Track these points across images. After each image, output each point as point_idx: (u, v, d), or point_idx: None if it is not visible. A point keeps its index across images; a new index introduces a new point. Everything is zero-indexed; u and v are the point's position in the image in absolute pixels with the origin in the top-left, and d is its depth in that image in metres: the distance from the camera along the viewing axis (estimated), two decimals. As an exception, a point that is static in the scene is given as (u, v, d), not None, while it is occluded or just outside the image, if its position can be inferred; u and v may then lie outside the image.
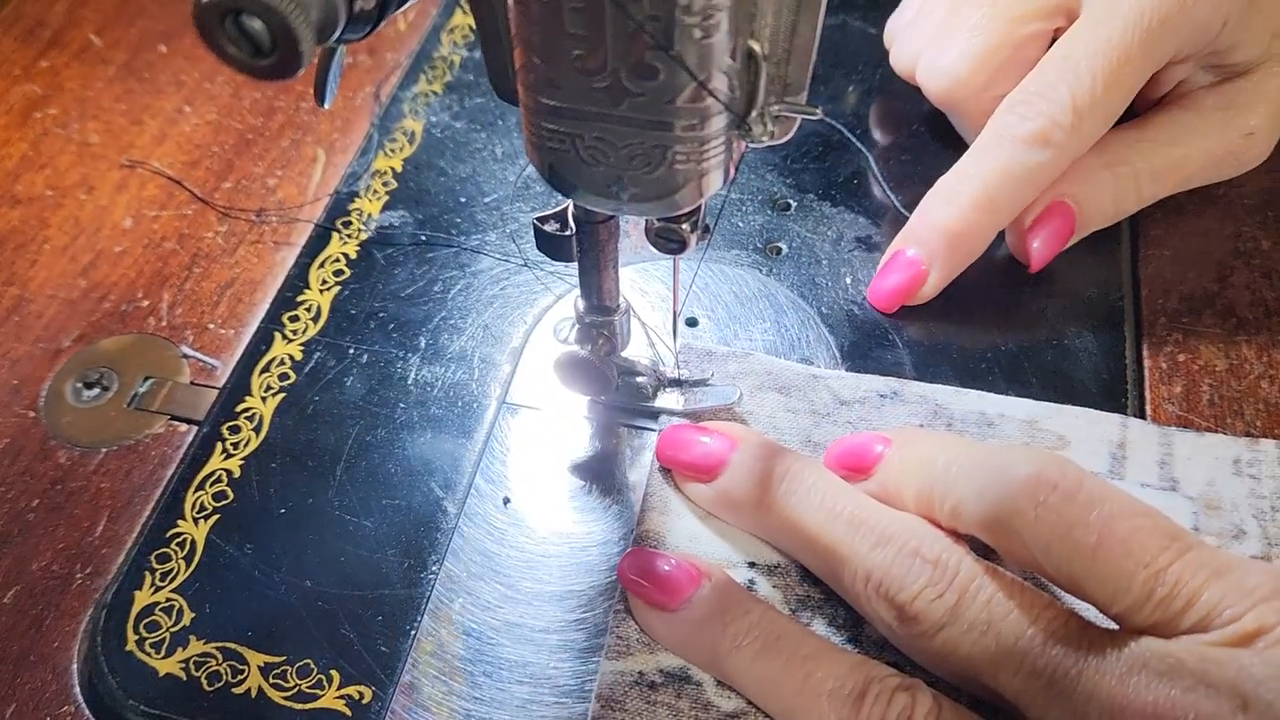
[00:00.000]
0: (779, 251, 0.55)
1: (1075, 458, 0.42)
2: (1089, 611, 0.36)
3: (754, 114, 0.34)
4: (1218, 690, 0.31)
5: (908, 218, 0.53)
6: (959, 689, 0.38)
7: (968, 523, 0.38)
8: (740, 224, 0.57)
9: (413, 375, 0.51)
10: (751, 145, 0.35)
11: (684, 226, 0.39)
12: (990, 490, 0.37)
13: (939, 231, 0.50)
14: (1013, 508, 0.36)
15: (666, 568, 0.41)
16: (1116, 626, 0.35)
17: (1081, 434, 0.47)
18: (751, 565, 0.43)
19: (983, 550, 0.39)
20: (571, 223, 0.41)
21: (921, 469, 0.40)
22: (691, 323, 0.52)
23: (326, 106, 0.38)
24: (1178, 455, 0.46)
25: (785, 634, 0.39)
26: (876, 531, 0.39)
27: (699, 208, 0.40)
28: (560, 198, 0.38)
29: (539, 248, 0.42)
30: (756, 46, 0.31)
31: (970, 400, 0.48)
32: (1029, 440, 0.46)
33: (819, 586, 0.42)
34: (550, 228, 0.41)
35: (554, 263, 0.53)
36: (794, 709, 0.38)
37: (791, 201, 0.58)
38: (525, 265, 0.55)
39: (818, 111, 0.34)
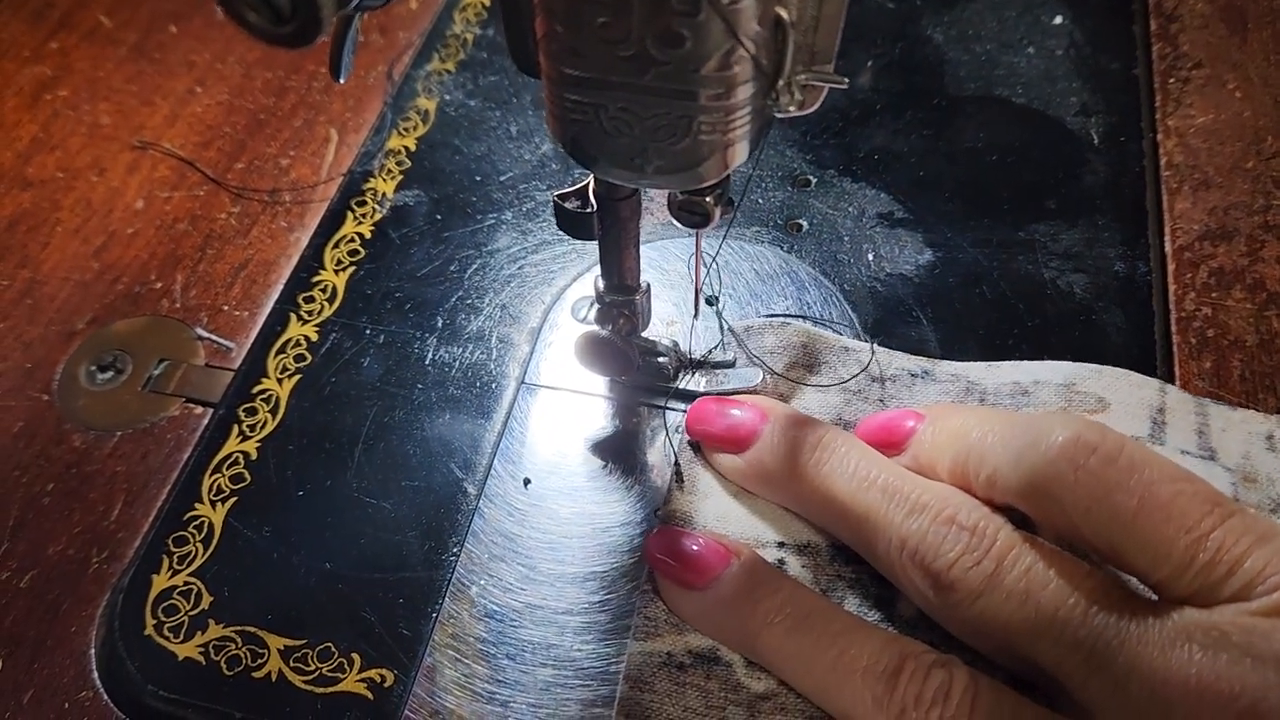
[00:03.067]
0: (800, 228, 0.54)
1: (1116, 421, 0.41)
2: (1129, 584, 0.36)
3: (781, 83, 0.33)
4: (1263, 662, 0.31)
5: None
6: (994, 664, 0.38)
7: (1005, 490, 0.37)
8: (760, 200, 0.56)
9: (430, 356, 0.50)
10: (778, 115, 0.34)
11: (708, 200, 0.39)
12: (1028, 455, 0.36)
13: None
14: (1052, 472, 0.35)
15: (694, 547, 0.41)
16: (1156, 597, 0.35)
17: (1122, 396, 0.45)
18: (781, 545, 0.43)
19: (1018, 524, 0.38)
20: (593, 200, 0.40)
21: (955, 441, 0.39)
22: (711, 301, 0.51)
23: (342, 80, 0.37)
24: (1213, 426, 0.45)
25: (817, 611, 0.38)
26: (911, 500, 0.38)
27: (724, 180, 0.39)
28: (581, 173, 0.37)
29: (559, 225, 0.42)
30: (785, 14, 0.31)
31: (1003, 372, 0.47)
32: (1067, 404, 0.45)
33: (850, 566, 0.42)
34: (571, 205, 0.41)
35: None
36: (827, 686, 0.37)
37: (812, 178, 0.57)
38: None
39: (845, 81, 0.34)
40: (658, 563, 0.41)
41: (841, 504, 0.39)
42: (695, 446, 0.46)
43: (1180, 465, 0.35)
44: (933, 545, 0.36)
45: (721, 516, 0.43)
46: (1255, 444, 0.44)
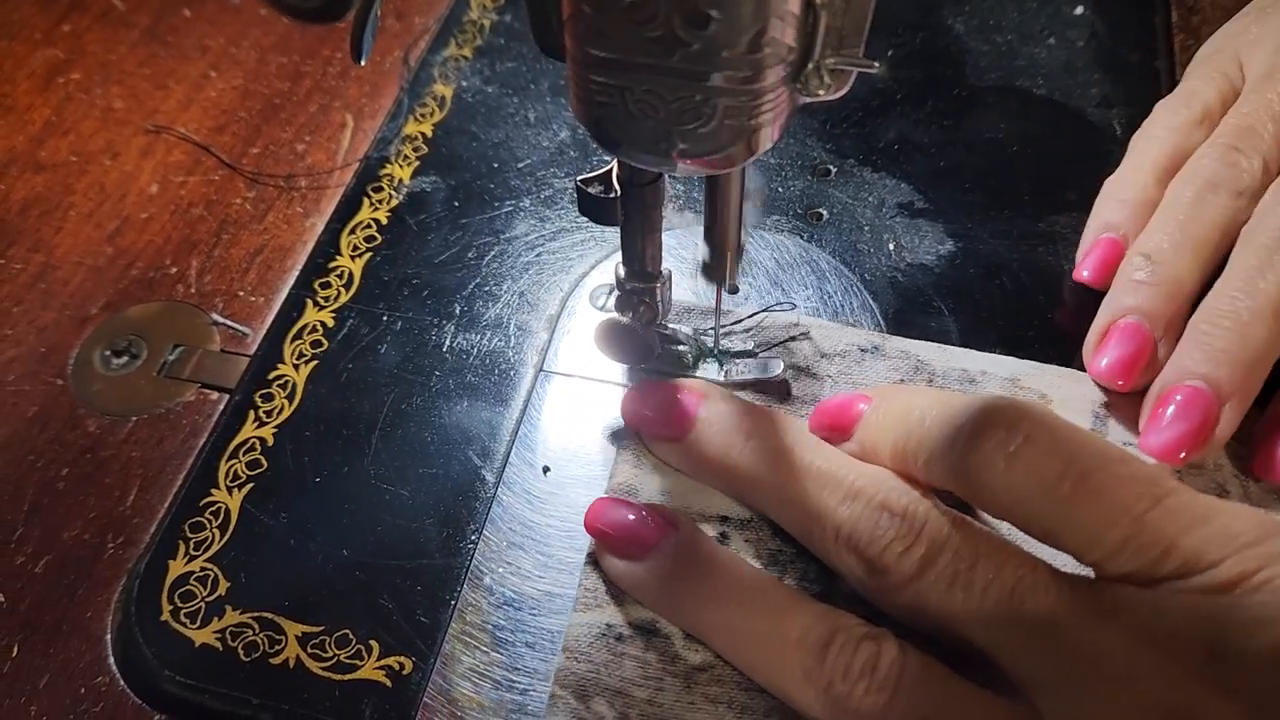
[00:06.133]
0: (820, 218, 0.54)
1: None
2: (1066, 561, 0.35)
3: (810, 66, 0.33)
4: (1188, 638, 0.31)
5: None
6: (936, 641, 0.37)
7: (941, 476, 0.37)
8: (780, 190, 0.55)
9: (448, 343, 0.50)
10: (806, 99, 0.34)
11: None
12: (960, 442, 0.36)
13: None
14: (982, 460, 0.35)
15: (633, 517, 0.41)
16: (1092, 574, 0.35)
17: (1064, 393, 0.46)
18: (724, 520, 0.43)
19: (962, 504, 0.38)
20: (616, 185, 0.40)
21: (897, 423, 0.39)
22: (732, 290, 0.51)
23: (363, 62, 0.36)
24: None
25: (752, 585, 0.39)
26: (845, 485, 0.38)
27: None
28: (600, 160, 0.37)
29: (581, 210, 0.41)
30: (816, -6, 0.30)
31: (953, 357, 0.47)
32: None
33: (792, 542, 0.42)
34: (594, 190, 0.40)
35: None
36: (759, 659, 0.38)
37: (832, 167, 0.56)
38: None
39: (876, 65, 0.33)
40: (596, 533, 0.41)
41: (777, 490, 0.40)
42: None
43: (1117, 446, 0.34)
44: (866, 531, 0.37)
45: (666, 490, 0.44)
46: None
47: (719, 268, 0.43)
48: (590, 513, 0.42)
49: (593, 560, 0.42)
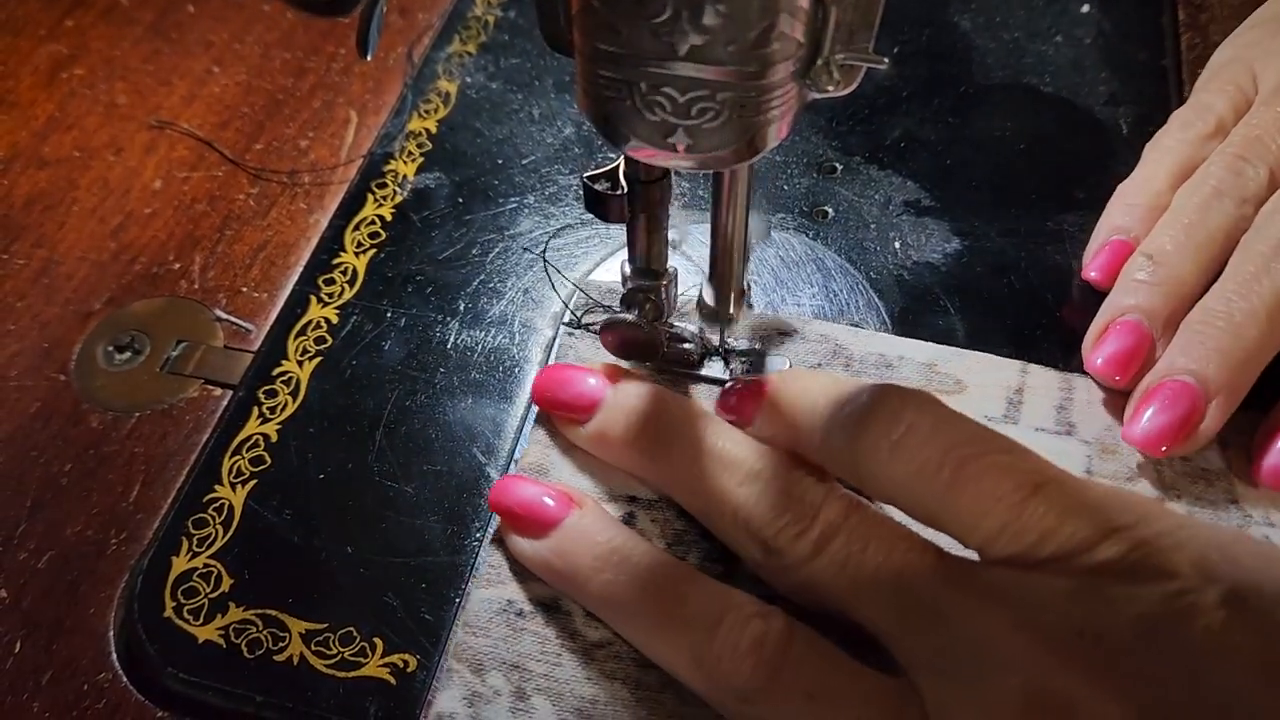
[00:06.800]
0: (826, 215, 0.54)
1: (971, 402, 0.41)
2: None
3: (820, 62, 0.33)
4: (1060, 619, 0.31)
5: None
6: (830, 620, 0.37)
7: (831, 462, 0.38)
8: (785, 187, 0.55)
9: (452, 339, 0.50)
10: (815, 95, 0.34)
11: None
12: (848, 428, 0.36)
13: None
14: (867, 449, 0.35)
15: (537, 495, 0.41)
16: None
17: (979, 379, 0.46)
18: (631, 500, 0.43)
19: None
20: (623, 182, 0.40)
21: (794, 409, 0.40)
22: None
23: (368, 58, 0.36)
24: (1077, 400, 0.46)
25: (651, 563, 0.39)
26: (744, 468, 0.39)
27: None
28: (605, 157, 0.37)
29: (587, 207, 0.41)
30: (827, -11, 0.30)
31: (871, 341, 0.48)
32: (926, 383, 0.46)
33: (697, 522, 0.42)
34: (600, 186, 0.40)
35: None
36: (654, 636, 0.38)
37: (837, 164, 0.56)
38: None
39: (885, 61, 0.33)
40: (500, 509, 0.42)
41: (679, 472, 0.41)
42: None
43: (1003, 435, 0.35)
44: (762, 514, 0.37)
45: (575, 470, 0.44)
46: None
47: (723, 309, 0.45)
48: (494, 490, 0.42)
49: (498, 538, 0.43)
